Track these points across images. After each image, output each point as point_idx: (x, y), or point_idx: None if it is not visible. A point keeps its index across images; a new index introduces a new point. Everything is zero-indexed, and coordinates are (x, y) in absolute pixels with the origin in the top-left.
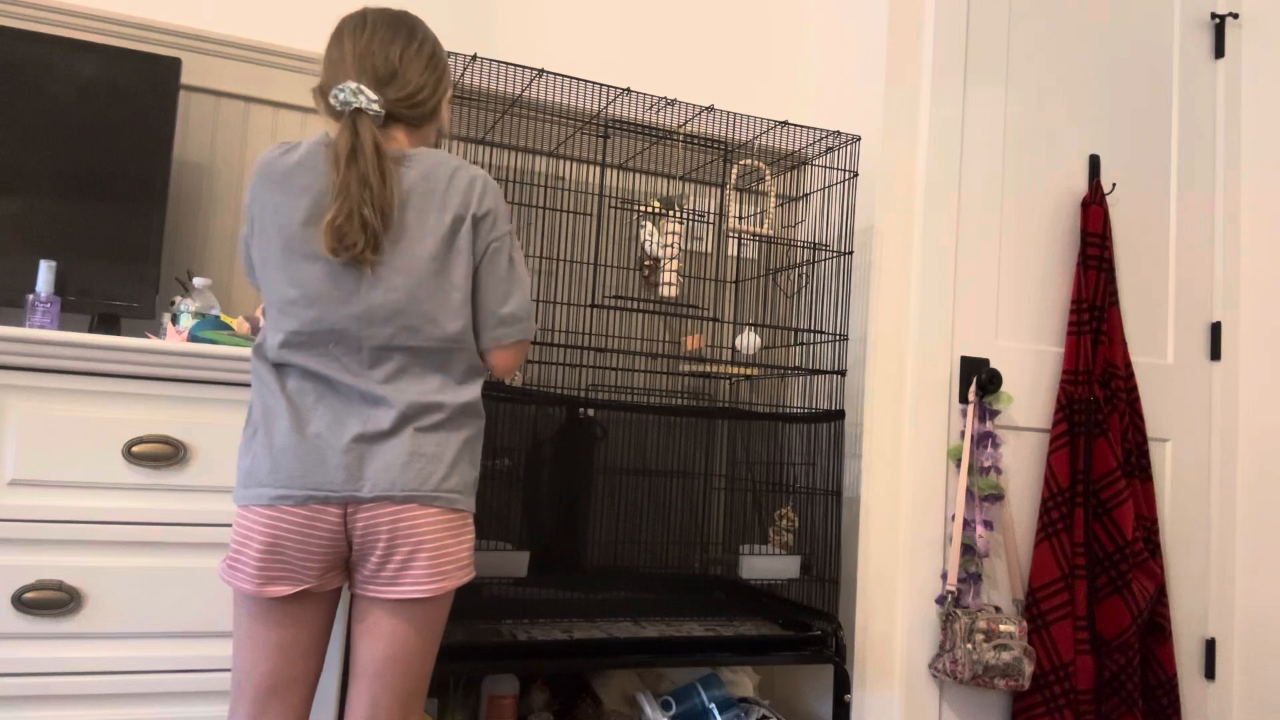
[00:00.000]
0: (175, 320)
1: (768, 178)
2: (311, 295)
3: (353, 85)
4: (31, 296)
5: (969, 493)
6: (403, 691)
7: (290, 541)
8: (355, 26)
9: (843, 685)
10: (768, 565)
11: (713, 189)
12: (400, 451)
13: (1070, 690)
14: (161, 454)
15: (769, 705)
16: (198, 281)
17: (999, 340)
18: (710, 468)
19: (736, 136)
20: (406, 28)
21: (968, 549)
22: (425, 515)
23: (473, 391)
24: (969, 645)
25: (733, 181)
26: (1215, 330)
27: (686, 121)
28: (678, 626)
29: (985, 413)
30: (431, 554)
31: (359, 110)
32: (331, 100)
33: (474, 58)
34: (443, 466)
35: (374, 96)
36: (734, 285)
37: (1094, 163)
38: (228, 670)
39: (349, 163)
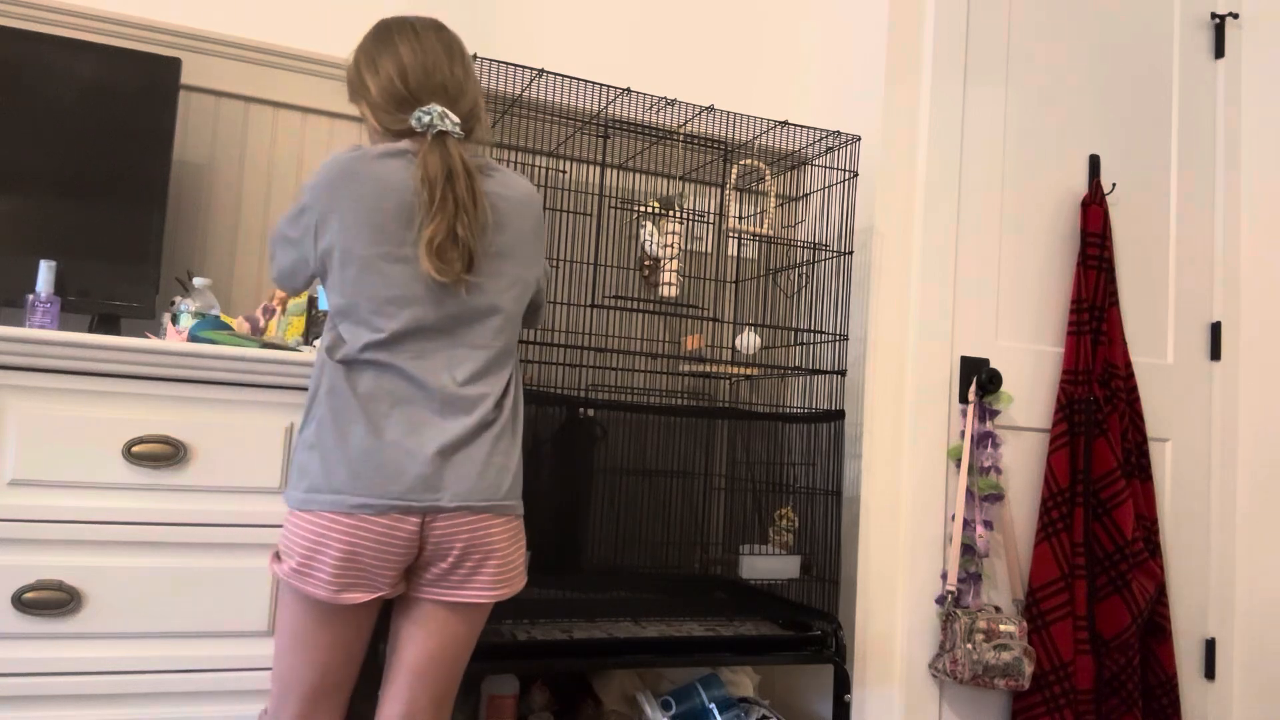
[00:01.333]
0: (175, 320)
1: (768, 178)
2: (409, 295)
3: (439, 109)
4: (31, 296)
5: (969, 493)
6: (440, 691)
7: (368, 550)
8: (410, 38)
9: (843, 685)
10: (768, 565)
11: (713, 189)
12: (477, 461)
13: (1070, 690)
14: (161, 454)
15: (769, 705)
16: (198, 281)
17: (999, 340)
18: (710, 468)
19: (736, 136)
20: (456, 43)
21: (968, 549)
22: (498, 524)
23: (520, 394)
24: (969, 645)
25: (733, 181)
26: (1215, 330)
27: (686, 121)
28: (678, 626)
29: (985, 413)
30: (500, 561)
31: (443, 132)
32: (414, 123)
33: (474, 57)
34: (510, 475)
35: (456, 119)
36: (734, 285)
37: (1094, 163)
38: (227, 670)
39: (446, 184)
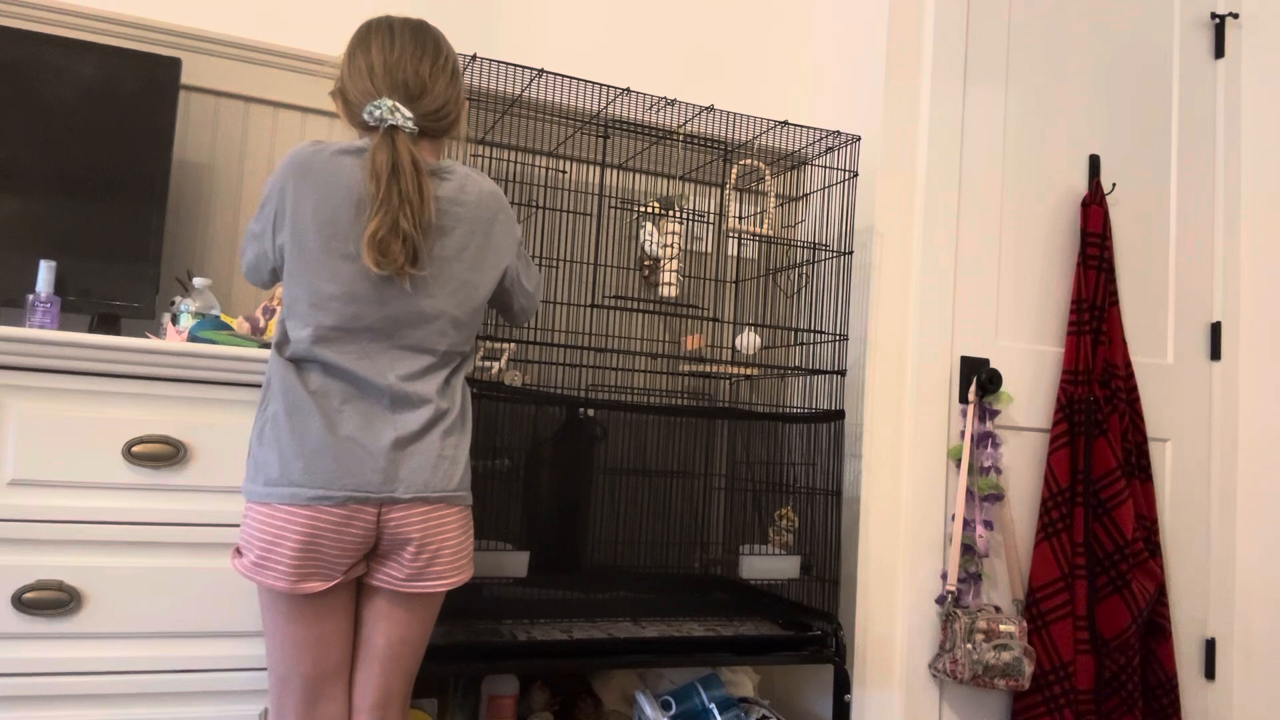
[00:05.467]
0: (175, 320)
1: (768, 178)
2: (353, 293)
3: (389, 103)
4: (31, 296)
5: (969, 493)
6: (410, 672)
7: (327, 539)
8: (384, 37)
9: (843, 685)
10: (768, 565)
11: (713, 189)
12: (430, 454)
13: (1070, 690)
14: (161, 454)
15: (769, 705)
16: (198, 281)
17: (999, 340)
18: (710, 468)
19: (736, 136)
20: (433, 42)
21: (968, 549)
22: (451, 514)
23: (467, 392)
24: (969, 645)
25: (733, 181)
26: (1215, 330)
27: (686, 121)
28: (678, 626)
29: (985, 413)
30: (454, 550)
31: (394, 127)
32: (366, 116)
33: (474, 58)
34: (460, 468)
35: (409, 114)
36: (734, 285)
37: (1094, 163)
38: (228, 670)
39: (391, 178)
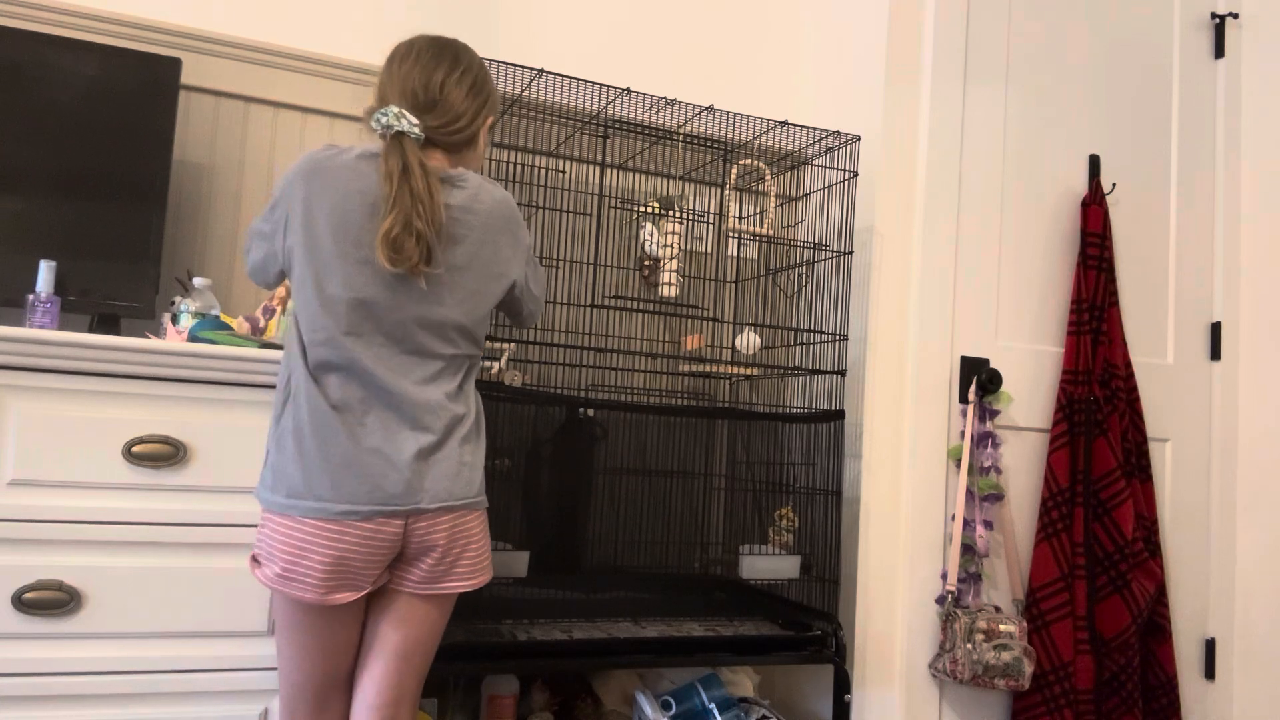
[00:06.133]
0: (175, 320)
1: (768, 178)
2: (365, 297)
3: (394, 109)
4: (31, 296)
5: (969, 493)
6: (423, 671)
7: (356, 553)
8: (402, 55)
9: (843, 685)
10: (768, 565)
11: (713, 189)
12: (451, 462)
13: (1070, 690)
14: (161, 454)
15: (769, 705)
16: (198, 281)
17: (999, 340)
18: (710, 468)
19: (736, 136)
20: (450, 55)
21: (968, 549)
22: (472, 518)
23: (479, 397)
24: (969, 645)
25: (733, 181)
26: (1215, 330)
27: (686, 121)
28: (678, 626)
29: (985, 413)
30: (476, 553)
31: (400, 133)
32: (374, 124)
33: None
34: (479, 473)
35: (414, 120)
36: (734, 285)
37: (1094, 163)
38: (228, 670)
39: (402, 179)
